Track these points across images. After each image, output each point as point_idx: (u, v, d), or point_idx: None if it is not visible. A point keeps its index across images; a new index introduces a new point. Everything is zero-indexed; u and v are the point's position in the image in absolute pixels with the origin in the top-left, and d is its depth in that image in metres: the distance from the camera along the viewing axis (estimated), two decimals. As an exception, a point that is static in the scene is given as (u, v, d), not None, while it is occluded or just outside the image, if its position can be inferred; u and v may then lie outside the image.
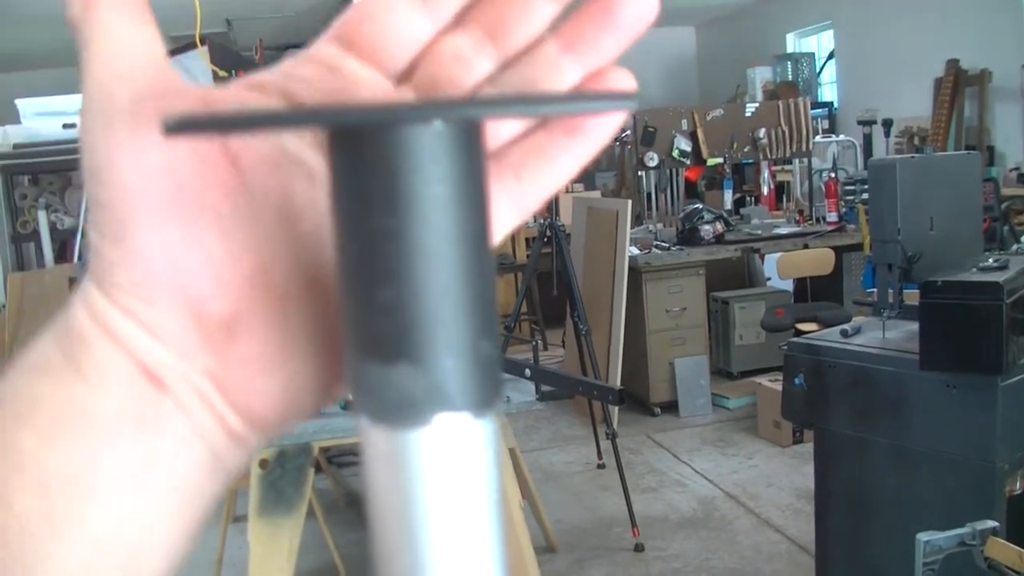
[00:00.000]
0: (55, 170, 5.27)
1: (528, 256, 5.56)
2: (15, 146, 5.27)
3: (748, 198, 7.23)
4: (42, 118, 5.50)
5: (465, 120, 0.26)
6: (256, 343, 0.31)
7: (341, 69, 0.33)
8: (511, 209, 0.34)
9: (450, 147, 0.26)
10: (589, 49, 0.32)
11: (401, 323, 0.26)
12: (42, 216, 5.13)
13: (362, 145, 0.26)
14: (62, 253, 5.32)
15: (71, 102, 6.07)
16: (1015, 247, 3.39)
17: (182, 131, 0.24)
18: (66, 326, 0.32)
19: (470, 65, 0.33)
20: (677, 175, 7.05)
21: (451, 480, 0.27)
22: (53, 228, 5.20)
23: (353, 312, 0.27)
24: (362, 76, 0.33)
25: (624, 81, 0.33)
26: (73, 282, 4.56)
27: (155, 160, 0.30)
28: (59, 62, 8.05)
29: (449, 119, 0.26)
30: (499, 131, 0.33)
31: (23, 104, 6.12)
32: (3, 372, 0.32)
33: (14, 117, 5.77)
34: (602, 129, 0.33)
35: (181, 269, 0.31)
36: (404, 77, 0.34)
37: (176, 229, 0.30)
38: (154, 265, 0.30)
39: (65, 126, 5.18)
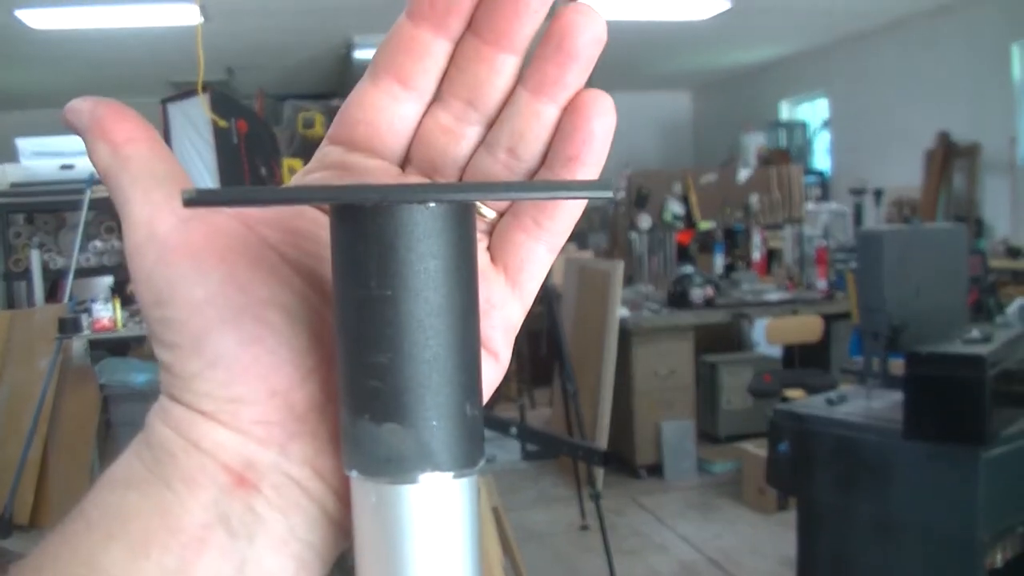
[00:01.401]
0: (50, 210, 5.28)
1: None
2: (12, 184, 5.30)
3: (739, 263, 7.26)
4: (40, 158, 5.54)
5: (456, 201, 0.29)
6: None
7: (351, 166, 0.36)
8: (543, 250, 0.36)
9: (442, 226, 0.28)
10: (556, 88, 0.34)
11: (392, 386, 0.28)
12: (35, 255, 5.13)
13: (362, 221, 0.28)
14: (52, 292, 5.31)
15: (70, 143, 6.11)
16: (999, 319, 3.42)
17: (201, 203, 0.27)
18: (147, 443, 0.33)
19: (459, 136, 0.35)
20: (669, 238, 7.09)
21: (433, 534, 0.29)
22: (45, 267, 5.20)
23: (348, 373, 0.29)
24: (372, 166, 0.36)
25: (599, 102, 0.34)
26: (62, 322, 4.56)
27: (216, 275, 0.32)
28: (59, 102, 8.10)
29: (443, 200, 0.28)
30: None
31: (23, 143, 6.15)
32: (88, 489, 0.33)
33: (13, 156, 5.80)
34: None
35: (263, 364, 0.32)
36: (406, 161, 0.37)
37: (249, 329, 0.32)
38: (237, 367, 0.32)
39: (63, 167, 5.21)
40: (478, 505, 0.30)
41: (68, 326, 4.55)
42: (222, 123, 4.06)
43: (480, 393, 0.30)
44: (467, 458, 0.29)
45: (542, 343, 4.94)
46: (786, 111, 10.14)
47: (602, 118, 0.34)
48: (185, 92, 4.37)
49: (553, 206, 0.35)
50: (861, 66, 8.54)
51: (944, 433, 2.40)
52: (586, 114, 0.34)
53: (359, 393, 0.29)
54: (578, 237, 9.46)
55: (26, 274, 5.23)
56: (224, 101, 4.43)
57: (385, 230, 0.28)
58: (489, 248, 0.36)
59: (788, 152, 9.27)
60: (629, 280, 6.33)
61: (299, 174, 0.37)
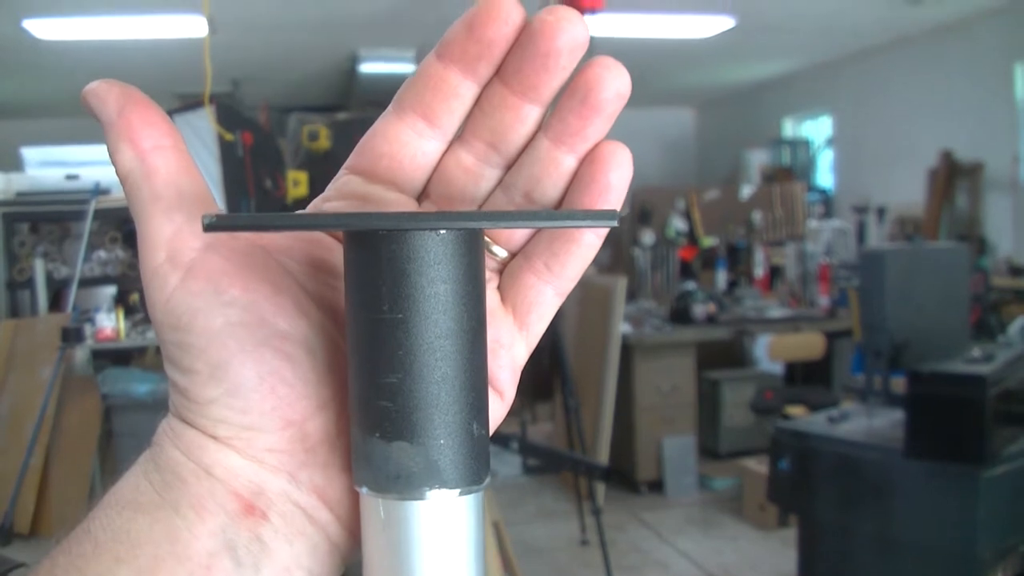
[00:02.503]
0: (55, 220, 5.30)
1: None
2: (17, 194, 5.32)
3: (742, 279, 7.27)
4: (46, 168, 5.56)
5: (466, 229, 0.30)
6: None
7: (371, 197, 0.36)
8: (551, 293, 0.37)
9: (453, 252, 0.29)
10: (577, 139, 0.34)
11: (403, 405, 0.29)
12: (39, 264, 5.15)
13: (375, 247, 0.29)
14: (56, 302, 5.32)
15: (75, 152, 6.14)
16: (1001, 338, 3.42)
17: (220, 229, 0.28)
18: (156, 464, 0.33)
19: (479, 176, 0.36)
20: (672, 254, 7.10)
21: (440, 549, 0.30)
22: (49, 277, 5.21)
23: (360, 393, 0.30)
24: (390, 198, 0.36)
25: (617, 155, 0.35)
26: (65, 332, 4.57)
27: (239, 304, 0.32)
28: (65, 112, 8.14)
29: (452, 228, 0.29)
30: (514, 232, 0.37)
31: (29, 152, 6.17)
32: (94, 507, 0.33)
33: (18, 165, 5.82)
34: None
35: (280, 395, 0.32)
36: (424, 195, 0.37)
37: (269, 360, 0.32)
38: (255, 397, 0.32)
39: (68, 177, 5.23)
40: (483, 522, 0.31)
41: (71, 336, 4.57)
42: (228, 136, 4.07)
43: (487, 413, 0.31)
44: (473, 476, 0.30)
45: (544, 358, 4.94)
46: (790, 128, 10.15)
47: (620, 170, 0.35)
48: (190, 104, 4.38)
49: (565, 252, 0.36)
50: (865, 84, 8.56)
51: (945, 452, 2.40)
52: (605, 167, 0.35)
53: (370, 412, 0.30)
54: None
55: (30, 283, 5.25)
56: (229, 114, 4.44)
57: (398, 256, 0.29)
58: (499, 288, 0.37)
59: (791, 169, 9.28)
60: (631, 296, 6.34)
61: (317, 200, 0.38)
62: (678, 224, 6.84)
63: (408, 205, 0.37)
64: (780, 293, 6.70)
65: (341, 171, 0.38)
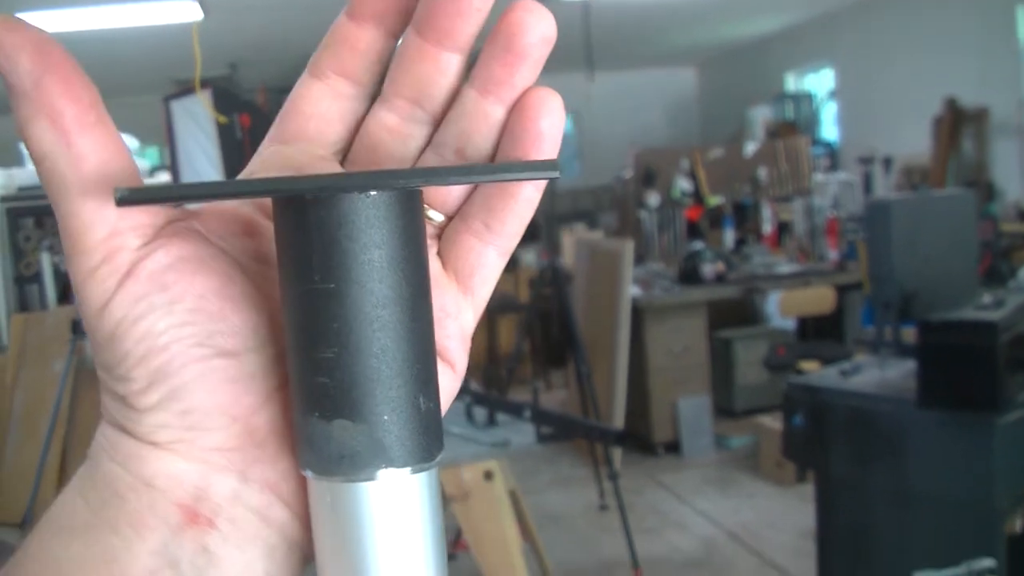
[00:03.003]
0: (59, 213, 5.30)
1: (530, 297, 5.56)
2: (20, 188, 5.32)
3: (749, 237, 7.24)
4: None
5: (399, 189, 0.28)
6: None
7: (294, 159, 0.34)
8: (493, 254, 0.35)
9: (386, 214, 0.28)
10: (504, 88, 0.33)
11: (340, 381, 0.28)
12: (45, 258, 5.15)
13: (303, 213, 0.27)
14: (64, 295, 5.33)
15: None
16: (1011, 284, 3.40)
17: (135, 202, 0.26)
18: (92, 480, 0.31)
19: (406, 135, 0.34)
20: (678, 215, 7.07)
21: (392, 532, 0.28)
22: (56, 270, 5.22)
23: (297, 369, 0.29)
24: (323, 167, 0.34)
25: (547, 101, 0.33)
26: (75, 323, 4.57)
27: (183, 304, 0.30)
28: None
29: (384, 188, 0.27)
30: (450, 192, 0.35)
31: (28, 148, 6.16)
32: (30, 531, 0.31)
33: (20, 160, 5.82)
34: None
35: (224, 391, 0.30)
36: (349, 163, 0.36)
37: (212, 360, 0.30)
38: (198, 396, 0.30)
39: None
40: (439, 501, 0.30)
41: (82, 328, 4.57)
42: (223, 119, 4.06)
43: (435, 385, 0.30)
44: (423, 452, 0.29)
45: (554, 325, 4.93)
46: (792, 83, 10.09)
47: (551, 117, 0.33)
48: (186, 89, 4.36)
49: (503, 208, 0.34)
50: (866, 34, 8.48)
51: (958, 401, 2.38)
52: (534, 114, 0.33)
53: (308, 390, 0.28)
54: (587, 217, 9.45)
55: (37, 277, 5.26)
56: (226, 97, 4.43)
57: (327, 222, 0.27)
58: (439, 254, 0.35)
59: (795, 124, 9.23)
60: (639, 259, 6.33)
61: (243, 174, 0.35)
62: (683, 184, 6.80)
63: (333, 167, 0.35)
64: (788, 249, 6.68)
65: (264, 143, 0.35)
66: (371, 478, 0.28)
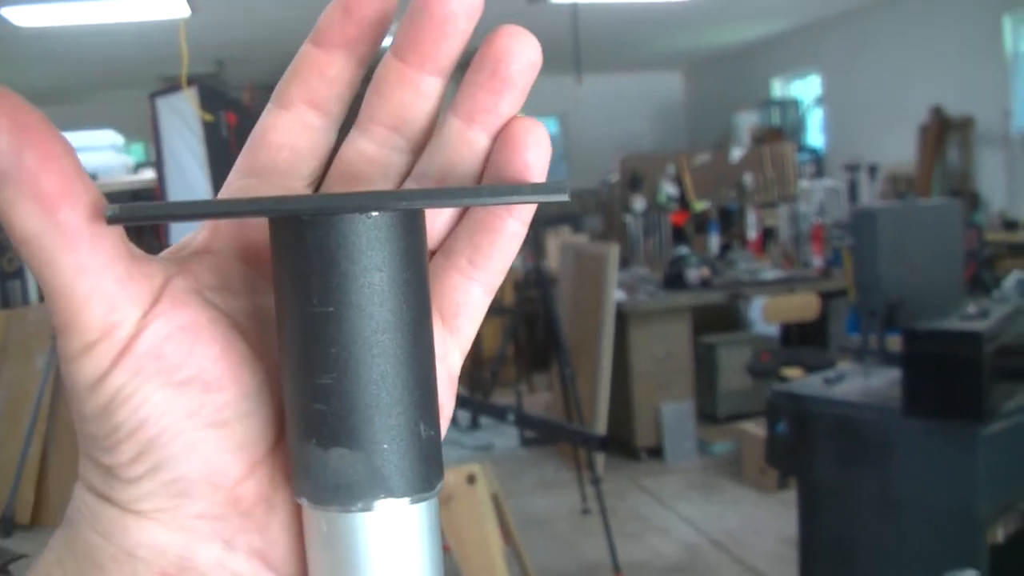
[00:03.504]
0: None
1: (515, 300, 5.56)
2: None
3: (735, 242, 7.26)
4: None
5: (402, 210, 0.27)
6: (294, 504, 0.30)
7: (268, 192, 0.33)
8: (479, 292, 0.34)
9: (388, 236, 0.27)
10: (489, 116, 0.32)
11: (338, 408, 0.27)
12: (28, 255, 5.12)
13: (301, 233, 0.26)
14: (47, 292, 5.30)
15: (69, 139, 6.09)
16: (996, 293, 3.41)
17: (125, 221, 0.25)
18: (71, 549, 0.30)
19: (385, 165, 0.33)
20: (664, 220, 7.08)
21: (389, 565, 0.27)
22: (39, 267, 5.19)
23: (293, 396, 0.28)
24: (289, 192, 0.33)
25: (532, 132, 0.32)
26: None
27: (180, 376, 0.28)
28: (49, 101, 8.09)
29: (386, 209, 0.26)
30: (433, 226, 0.33)
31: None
32: None
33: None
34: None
35: (211, 462, 0.29)
36: (324, 189, 0.34)
37: (203, 431, 0.29)
38: (184, 468, 0.29)
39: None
40: (438, 531, 0.29)
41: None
42: (208, 117, 4.04)
43: (436, 412, 0.29)
44: (423, 482, 0.28)
45: (539, 328, 4.93)
46: (778, 89, 10.12)
47: (537, 149, 0.32)
48: (173, 86, 4.34)
49: (488, 244, 0.33)
50: (853, 42, 8.52)
51: (943, 410, 2.39)
52: (520, 145, 0.31)
53: (305, 417, 0.27)
54: (573, 220, 9.45)
55: (20, 273, 5.22)
56: (212, 94, 4.41)
57: (325, 243, 0.26)
58: None
59: (781, 130, 9.26)
60: (624, 263, 6.33)
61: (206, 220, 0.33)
62: (669, 189, 6.81)
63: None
64: (773, 255, 6.69)
65: (231, 176, 0.34)
66: (369, 508, 0.27)
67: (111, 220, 0.25)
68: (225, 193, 0.33)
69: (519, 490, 5.00)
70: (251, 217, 0.30)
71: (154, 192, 4.85)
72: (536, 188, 0.28)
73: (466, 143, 0.32)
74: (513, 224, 0.33)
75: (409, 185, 0.33)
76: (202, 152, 4.20)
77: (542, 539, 4.38)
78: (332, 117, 0.33)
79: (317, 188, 0.34)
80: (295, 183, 0.33)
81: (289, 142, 0.33)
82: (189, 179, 4.25)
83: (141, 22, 6.58)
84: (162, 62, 6.75)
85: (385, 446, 0.27)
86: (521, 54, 0.30)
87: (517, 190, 0.28)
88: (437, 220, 0.33)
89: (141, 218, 0.26)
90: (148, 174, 5.66)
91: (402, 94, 0.32)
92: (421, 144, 0.33)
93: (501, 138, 0.32)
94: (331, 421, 0.27)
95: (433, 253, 0.34)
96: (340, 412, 0.27)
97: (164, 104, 4.36)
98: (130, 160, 6.61)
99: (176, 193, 4.30)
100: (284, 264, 0.27)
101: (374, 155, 0.33)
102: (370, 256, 0.26)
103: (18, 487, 4.53)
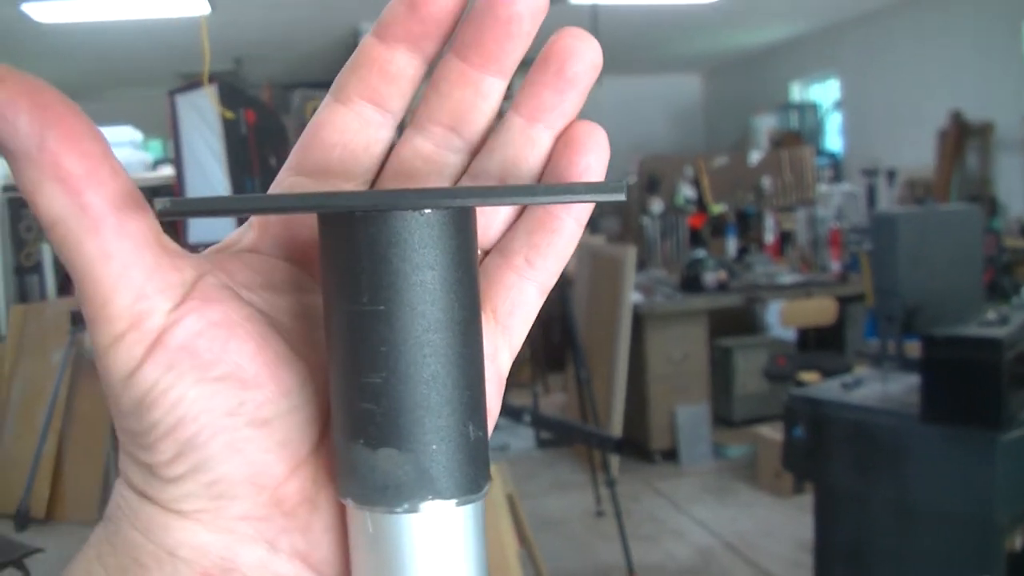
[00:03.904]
0: (61, 204, 5.29)
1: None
2: (22, 179, 5.30)
3: (752, 246, 7.24)
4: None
5: (454, 207, 0.27)
6: (337, 504, 0.30)
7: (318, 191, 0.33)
8: (533, 291, 0.34)
9: (440, 234, 0.26)
10: (554, 115, 0.32)
11: (388, 408, 0.26)
12: (46, 249, 5.15)
13: (353, 230, 0.26)
14: (64, 286, 5.32)
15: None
16: (1015, 300, 3.39)
17: (176, 215, 0.25)
18: (112, 545, 0.30)
19: (441, 164, 0.33)
20: (681, 222, 7.06)
21: (435, 567, 0.27)
22: (57, 261, 5.20)
23: (341, 395, 0.27)
24: (342, 187, 0.33)
25: (594, 135, 0.32)
26: (75, 315, 4.57)
27: (215, 372, 0.28)
28: (76, 96, 8.08)
29: (439, 206, 0.26)
30: (490, 225, 0.33)
31: (31, 138, 6.15)
32: None
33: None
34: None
35: (253, 462, 0.29)
36: (377, 188, 0.34)
37: (243, 430, 0.28)
38: (225, 468, 0.28)
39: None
40: (483, 534, 0.28)
41: (81, 319, 4.56)
42: (229, 114, 4.05)
43: (484, 413, 0.28)
44: (471, 484, 0.27)
45: (555, 329, 4.92)
46: (797, 92, 10.08)
47: (597, 152, 0.32)
48: (192, 83, 4.36)
49: (546, 244, 0.33)
50: (872, 46, 8.48)
51: (961, 416, 2.38)
52: (581, 147, 0.32)
53: (353, 416, 0.27)
54: (590, 222, 9.42)
55: (38, 268, 5.26)
56: (232, 92, 4.42)
57: (377, 240, 0.26)
58: None
59: (800, 134, 9.22)
60: (642, 265, 6.32)
61: (252, 217, 0.33)
62: (687, 192, 6.80)
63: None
64: (791, 259, 6.67)
65: (282, 174, 0.33)
66: (415, 510, 0.27)
67: (161, 213, 0.25)
68: (274, 190, 0.33)
69: (534, 491, 5.00)
70: (301, 213, 0.29)
71: (172, 189, 4.87)
72: (592, 187, 0.27)
73: (529, 140, 0.32)
74: (571, 224, 0.33)
75: (464, 183, 0.33)
76: (221, 149, 4.21)
77: (556, 541, 4.37)
78: (392, 114, 0.33)
79: (372, 187, 0.34)
80: (346, 183, 0.33)
81: (343, 140, 0.33)
82: (208, 176, 4.26)
83: (161, 19, 6.60)
84: (180, 59, 6.78)
85: (434, 447, 0.27)
86: (585, 55, 0.31)
87: (572, 189, 0.28)
88: (495, 218, 0.33)
89: (192, 212, 0.26)
90: (166, 171, 5.68)
91: (462, 94, 0.32)
92: (478, 145, 0.33)
93: (563, 140, 0.32)
94: (380, 421, 0.26)
95: (489, 251, 0.34)
96: (389, 412, 0.26)
97: (184, 101, 4.37)
98: (148, 157, 6.64)
99: (195, 190, 4.31)
100: (333, 261, 0.27)
101: (430, 154, 0.33)
102: (422, 254, 0.26)
103: (33, 482, 4.55)
